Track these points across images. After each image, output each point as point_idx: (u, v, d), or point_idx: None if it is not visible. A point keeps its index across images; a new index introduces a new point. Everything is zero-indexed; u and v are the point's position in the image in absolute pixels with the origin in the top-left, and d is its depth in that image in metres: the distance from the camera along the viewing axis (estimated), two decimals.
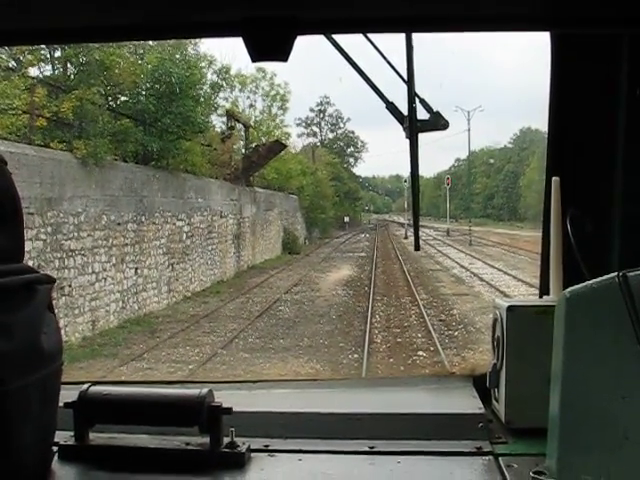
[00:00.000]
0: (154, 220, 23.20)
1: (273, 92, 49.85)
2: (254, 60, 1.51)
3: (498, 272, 32.92)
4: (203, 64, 30.12)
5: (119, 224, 20.52)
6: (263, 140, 39.68)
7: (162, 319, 21.65)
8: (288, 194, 50.01)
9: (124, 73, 21.94)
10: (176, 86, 23.10)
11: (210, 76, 31.40)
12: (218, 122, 36.06)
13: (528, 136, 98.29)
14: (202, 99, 25.75)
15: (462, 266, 36.38)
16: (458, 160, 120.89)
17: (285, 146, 40.45)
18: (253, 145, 36.51)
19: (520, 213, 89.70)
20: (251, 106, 49.34)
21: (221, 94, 34.10)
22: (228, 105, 44.12)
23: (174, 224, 24.84)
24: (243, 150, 37.15)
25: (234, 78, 47.55)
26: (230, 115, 34.67)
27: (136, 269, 21.78)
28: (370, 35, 2.31)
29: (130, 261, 21.33)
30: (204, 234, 28.36)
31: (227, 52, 39.32)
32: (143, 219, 22.31)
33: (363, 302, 24.61)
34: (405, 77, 2.40)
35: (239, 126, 38.87)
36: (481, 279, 30.04)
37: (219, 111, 34.17)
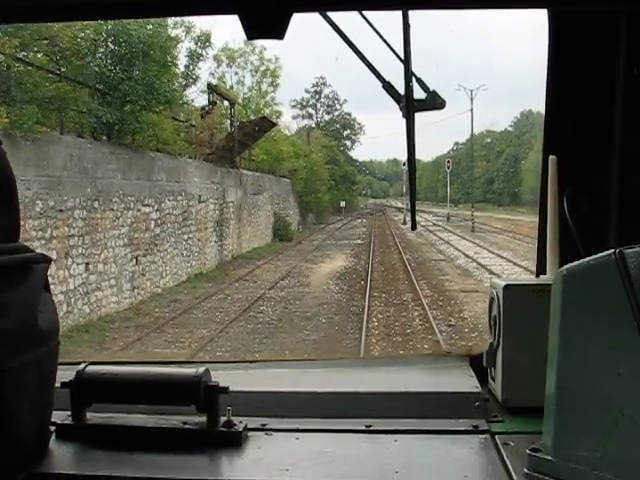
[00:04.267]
0: (112, 206, 19.84)
1: (263, 67, 47.25)
2: (249, 38, 1.52)
3: (507, 263, 30.31)
4: (179, 31, 26.77)
5: (61, 211, 17.07)
6: (252, 118, 36.37)
7: (119, 323, 18.34)
8: (280, 177, 47.72)
9: (68, 30, 18.17)
10: (138, 47, 19.53)
11: (188, 44, 28.06)
12: (201, 98, 32.71)
13: (529, 119, 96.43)
14: (170, 64, 22.00)
15: (467, 256, 33.68)
16: (457, 144, 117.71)
17: (274, 124, 37.40)
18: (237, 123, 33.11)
19: (521, 198, 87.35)
20: (239, 82, 46.36)
21: (203, 65, 30.76)
22: (215, 81, 41.28)
23: (139, 210, 21.44)
24: (229, 129, 33.86)
25: (221, 52, 44.61)
26: (212, 89, 31.25)
27: (87, 264, 18.41)
28: (367, 14, 2.33)
29: (78, 255, 17.86)
30: (178, 221, 25.05)
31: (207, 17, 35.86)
32: (96, 205, 18.94)
33: (358, 300, 21.54)
34: (402, 56, 2.41)
35: (226, 104, 35.64)
36: (490, 271, 27.02)
37: (199, 85, 30.69)
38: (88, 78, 19.71)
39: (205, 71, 37.25)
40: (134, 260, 21.24)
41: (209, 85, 31.04)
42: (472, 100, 59.89)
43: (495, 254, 33.99)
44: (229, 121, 34.82)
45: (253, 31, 1.46)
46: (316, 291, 23.42)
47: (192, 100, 30.56)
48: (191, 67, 28.10)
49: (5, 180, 1.59)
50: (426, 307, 19.81)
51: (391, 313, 19.58)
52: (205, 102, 32.31)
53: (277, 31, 1.46)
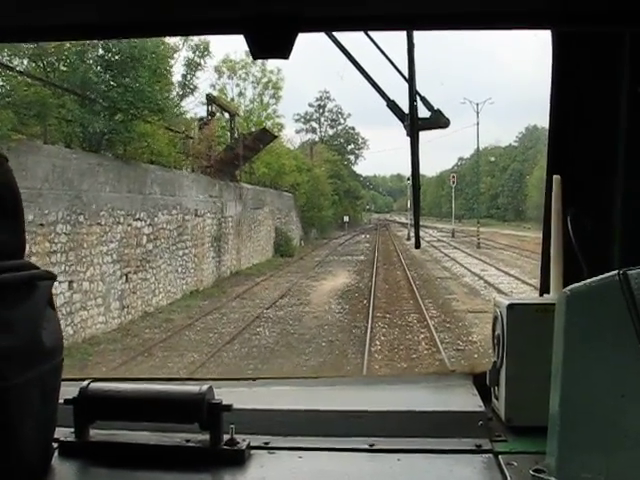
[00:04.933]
0: (99, 220, 18.66)
1: (265, 79, 46.24)
2: (255, 57, 1.55)
3: (516, 281, 29.10)
4: (177, 38, 25.75)
5: (42, 225, 15.85)
6: (253, 130, 35.38)
7: (104, 346, 17.14)
8: (282, 191, 46.90)
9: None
10: (129, 53, 18.42)
11: (186, 52, 27.04)
12: (201, 110, 31.67)
13: (534, 134, 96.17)
14: (164, 71, 20.85)
15: (474, 273, 32.49)
16: (461, 159, 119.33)
17: (275, 136, 36.39)
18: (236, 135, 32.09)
19: (526, 213, 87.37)
20: (241, 94, 45.42)
21: (203, 77, 29.78)
22: (216, 93, 40.50)
23: (129, 225, 20.28)
24: (230, 142, 32.88)
25: (222, 64, 43.77)
26: (211, 100, 30.21)
27: (70, 282, 17.18)
28: (371, 33, 2.34)
29: (61, 273, 16.55)
30: (172, 236, 23.87)
31: None
32: (81, 219, 17.74)
33: (361, 321, 20.38)
34: (406, 75, 2.43)
35: (226, 116, 34.70)
36: (498, 290, 25.81)
37: (197, 95, 29.65)
38: (75, 85, 18.56)
39: (204, 81, 36.29)
40: (124, 277, 20.07)
41: (208, 96, 30.03)
42: (478, 114, 58.88)
43: (502, 271, 32.89)
44: (229, 133, 33.87)
45: (259, 51, 1.53)
46: (316, 311, 22.28)
47: (189, 111, 29.56)
48: (189, 76, 27.08)
49: (11, 197, 1.62)
50: (432, 329, 18.69)
51: (395, 335, 18.44)
52: (205, 114, 31.35)
53: (283, 51, 1.52)
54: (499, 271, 33.27)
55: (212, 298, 24.85)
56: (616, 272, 1.42)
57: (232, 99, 45.56)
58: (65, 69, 18.62)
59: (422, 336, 18.31)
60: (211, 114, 30.06)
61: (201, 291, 26.25)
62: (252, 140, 31.30)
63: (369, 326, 19.39)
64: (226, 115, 35.46)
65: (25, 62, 18.02)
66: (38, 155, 15.93)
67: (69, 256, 17.09)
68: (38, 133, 16.90)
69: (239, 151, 30.77)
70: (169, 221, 23.47)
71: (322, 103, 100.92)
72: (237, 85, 45.93)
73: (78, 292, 17.59)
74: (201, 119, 29.73)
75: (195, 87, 27.94)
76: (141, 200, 21.27)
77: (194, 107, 32.02)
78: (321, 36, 2.13)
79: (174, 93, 26.02)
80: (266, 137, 32.92)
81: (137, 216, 20.82)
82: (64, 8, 1.52)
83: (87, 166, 18.26)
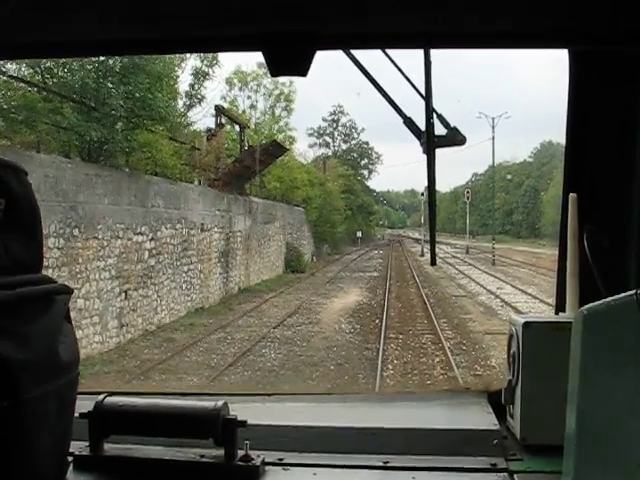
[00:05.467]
0: (96, 234, 17.69)
1: (277, 91, 45.39)
2: (273, 75, 1.61)
3: (533, 300, 28.01)
4: None
5: None
6: (262, 142, 34.51)
7: (99, 367, 16.05)
8: (293, 206, 46.02)
9: None
10: (131, 59, 17.50)
11: (194, 62, 26.17)
12: (210, 122, 30.80)
13: (549, 150, 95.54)
14: (167, 78, 19.88)
15: (490, 291, 31.44)
16: (475, 175, 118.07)
17: (286, 149, 35.50)
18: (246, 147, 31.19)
19: (541, 230, 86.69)
20: (252, 106, 44.63)
21: (214, 88, 28.85)
22: (226, 105, 39.84)
23: (129, 239, 19.30)
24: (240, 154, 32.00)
25: (233, 75, 43.06)
26: (220, 111, 29.32)
27: None
28: (388, 51, 2.38)
29: None
30: (177, 251, 22.89)
31: None
32: (76, 232, 16.74)
33: (372, 342, 19.37)
34: (423, 93, 2.43)
35: (237, 128, 33.87)
36: (515, 309, 24.66)
37: (205, 106, 28.75)
38: (73, 91, 17.65)
39: (215, 93, 35.58)
40: (123, 294, 19.06)
41: (217, 107, 29.11)
42: (494, 128, 57.99)
43: (519, 289, 31.82)
44: (239, 146, 33.01)
45: (277, 68, 1.58)
46: (326, 330, 21.26)
47: (198, 122, 28.67)
48: (196, 86, 26.18)
49: (29, 210, 1.62)
50: (448, 352, 17.66)
51: (409, 359, 17.39)
52: (214, 125, 30.50)
53: (300, 68, 1.56)
54: (515, 289, 32.25)
55: (218, 316, 23.88)
56: (633, 292, 1.39)
57: (243, 111, 44.82)
58: (63, 75, 17.75)
59: (437, 359, 17.32)
60: (220, 125, 29.16)
61: (207, 308, 25.29)
62: (262, 153, 30.36)
63: (381, 348, 18.40)
64: (237, 128, 34.70)
65: (23, 68, 17.10)
66: (28, 164, 14.89)
67: (62, 272, 16.03)
68: (33, 141, 15.97)
69: (248, 164, 29.87)
70: (173, 235, 22.50)
71: (336, 117, 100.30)
72: (248, 97, 45.27)
73: (72, 310, 16.45)
74: (209, 130, 28.83)
75: (203, 97, 27.05)
76: (143, 213, 20.31)
77: (202, 118, 31.09)
78: (337, 52, 2.13)
79: (180, 103, 25.14)
80: (277, 150, 32.01)
81: (138, 230, 19.85)
82: (82, 24, 1.57)
83: (84, 177, 17.28)
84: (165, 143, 21.44)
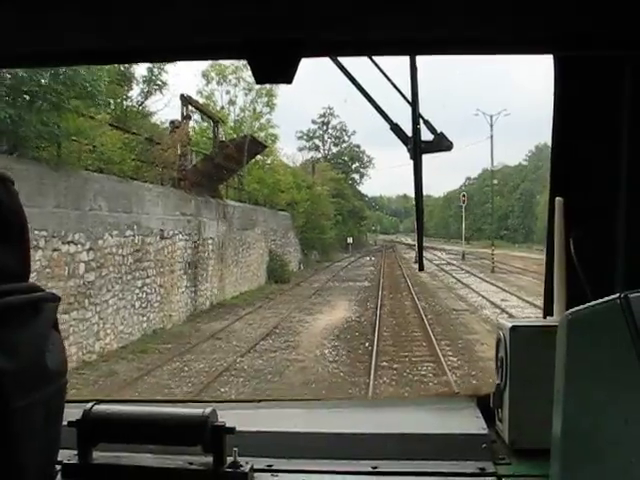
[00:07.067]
0: None
1: (258, 85, 41.53)
2: (258, 82, 1.57)
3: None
4: None
5: None
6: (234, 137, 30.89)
7: None
8: (277, 210, 42.87)
9: None
10: None
11: None
12: (176, 115, 27.10)
13: (544, 153, 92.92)
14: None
15: (494, 304, 28.20)
16: (469, 179, 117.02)
17: (265, 146, 31.99)
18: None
19: (537, 234, 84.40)
20: (231, 102, 41.04)
21: (185, 79, 25.21)
22: (202, 100, 36.42)
23: (56, 250, 15.44)
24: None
25: (210, 68, 39.62)
26: (187, 101, 25.57)
27: None
28: (374, 57, 2.39)
29: None
30: (126, 263, 19.14)
31: None
32: None
33: (360, 375, 15.90)
34: (409, 98, 2.46)
35: (213, 124, 30.25)
36: None
37: (171, 97, 25.06)
38: None
39: (187, 86, 31.98)
40: None
41: (182, 96, 25.35)
42: (492, 126, 55.19)
43: (527, 302, 28.22)
44: (213, 143, 29.38)
45: (262, 76, 1.54)
46: (305, 358, 17.65)
47: (158, 112, 24.89)
48: (155, 70, 22.45)
49: (17, 220, 1.61)
50: (455, 388, 14.01)
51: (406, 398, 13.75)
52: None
53: (286, 76, 1.53)
54: (522, 301, 29.04)
55: (179, 339, 20.18)
56: (617, 295, 1.39)
57: (222, 107, 41.28)
58: None
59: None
60: (186, 117, 25.43)
61: (168, 330, 21.66)
62: (236, 149, 26.72)
63: (371, 383, 14.93)
64: (209, 122, 31.15)
65: None
66: None
67: None
68: None
69: (221, 162, 26.22)
70: (121, 244, 18.72)
71: (326, 120, 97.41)
72: (227, 92, 41.72)
73: None
74: (172, 122, 25.09)
75: (164, 83, 23.37)
76: (76, 218, 16.44)
77: (164, 108, 27.48)
78: (325, 59, 2.10)
79: (137, 90, 21.41)
80: (253, 146, 28.37)
81: (69, 238, 15.99)
82: (64, 34, 1.53)
83: None
84: (110, 133, 17.67)
